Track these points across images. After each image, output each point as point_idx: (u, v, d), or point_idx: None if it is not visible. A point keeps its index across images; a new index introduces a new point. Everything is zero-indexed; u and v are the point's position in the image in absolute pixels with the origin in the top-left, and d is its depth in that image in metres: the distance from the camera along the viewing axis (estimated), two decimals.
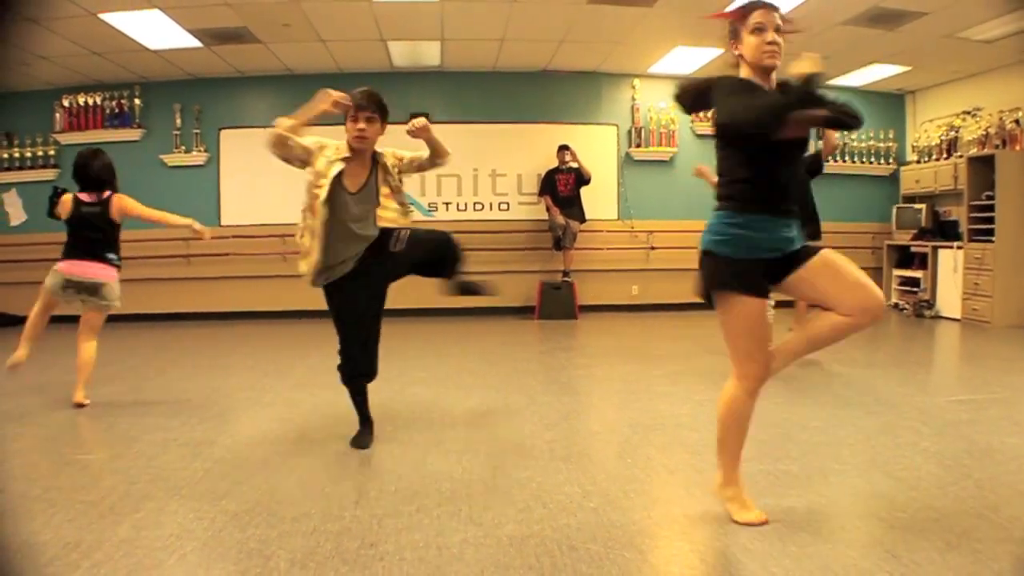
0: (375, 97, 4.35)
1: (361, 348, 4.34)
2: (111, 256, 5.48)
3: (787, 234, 3.04)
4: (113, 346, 8.51)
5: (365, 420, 4.49)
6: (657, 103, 11.27)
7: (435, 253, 4.60)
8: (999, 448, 4.23)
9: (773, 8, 3.05)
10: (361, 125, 4.24)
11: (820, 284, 3.03)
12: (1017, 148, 9.73)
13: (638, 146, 11.24)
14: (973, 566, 2.72)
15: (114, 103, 10.50)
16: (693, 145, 11.38)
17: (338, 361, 4.39)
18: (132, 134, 10.47)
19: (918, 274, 10.94)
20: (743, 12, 3.07)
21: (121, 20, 7.96)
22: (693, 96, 3.25)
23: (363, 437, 4.40)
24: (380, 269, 4.35)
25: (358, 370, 4.37)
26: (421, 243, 4.51)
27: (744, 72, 3.11)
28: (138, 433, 4.67)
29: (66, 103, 10.43)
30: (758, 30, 3.02)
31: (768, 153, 2.98)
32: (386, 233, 4.40)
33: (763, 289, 3.05)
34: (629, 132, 11.28)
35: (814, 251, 3.07)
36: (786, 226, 3.05)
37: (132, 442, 4.48)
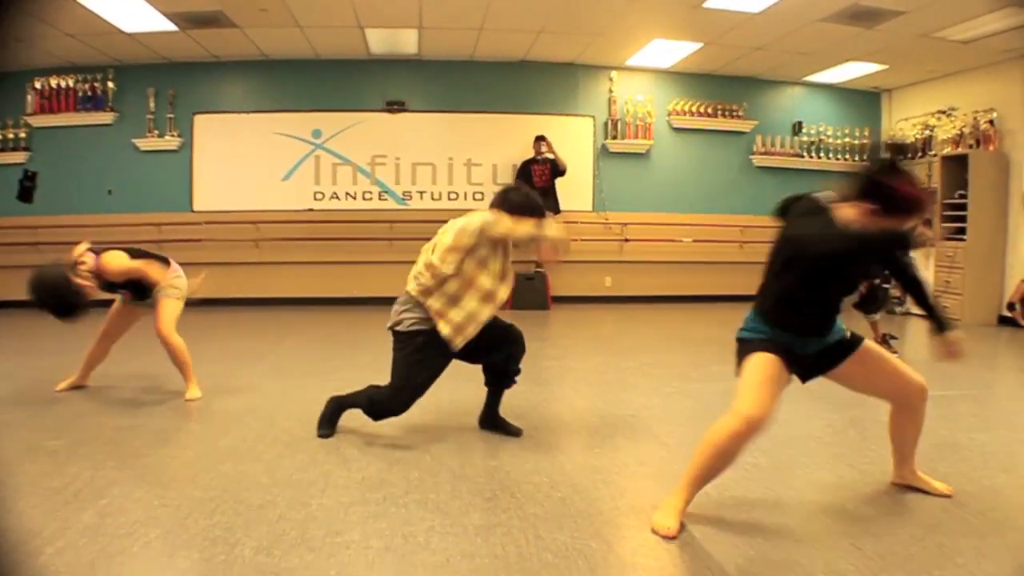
0: None
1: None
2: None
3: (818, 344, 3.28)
4: (82, 332, 8.46)
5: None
6: (634, 95, 11.30)
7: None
8: (966, 444, 4.30)
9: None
10: None
11: (867, 374, 3.33)
12: (991, 148, 9.85)
13: (614, 138, 11.26)
14: (938, 559, 2.76)
15: (87, 86, 10.36)
16: (669, 138, 11.44)
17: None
18: (105, 117, 10.35)
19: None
20: (914, 207, 3.01)
21: (96, 2, 7.87)
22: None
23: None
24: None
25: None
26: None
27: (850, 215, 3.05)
28: (106, 419, 4.65)
29: (38, 85, 10.28)
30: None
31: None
32: None
33: (784, 354, 3.17)
34: (606, 124, 11.30)
35: (859, 342, 3.30)
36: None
37: (100, 428, 4.45)
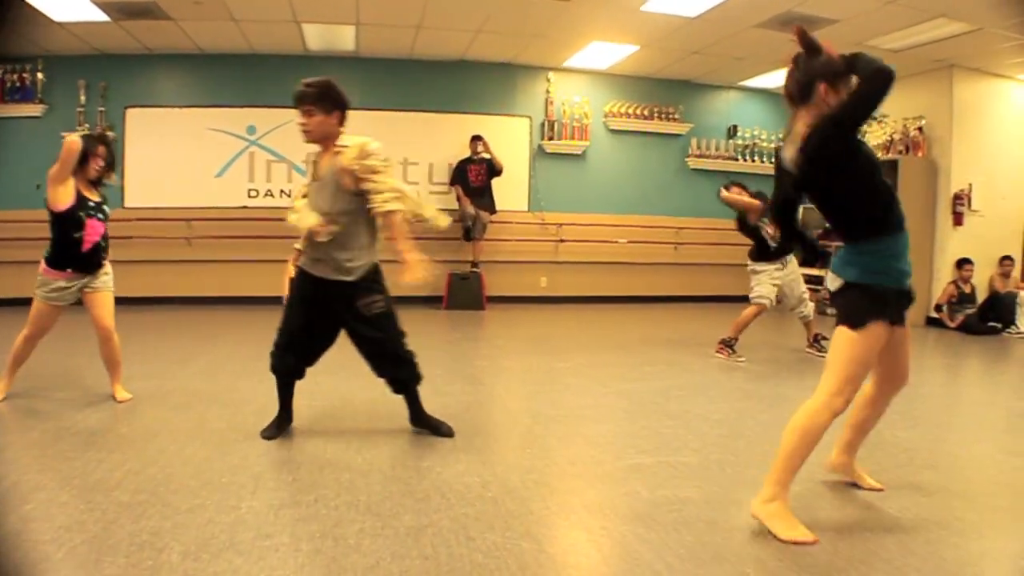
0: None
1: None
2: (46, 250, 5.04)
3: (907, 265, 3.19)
4: (6, 331, 8.26)
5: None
6: (571, 97, 11.37)
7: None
8: (892, 441, 4.44)
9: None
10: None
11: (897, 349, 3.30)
12: (919, 155, 10.16)
13: (551, 139, 11.32)
14: (862, 555, 2.84)
15: (15, 76, 10.02)
16: (605, 139, 11.54)
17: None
18: (34, 109, 10.05)
19: (822, 272, 11.28)
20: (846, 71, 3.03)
21: None
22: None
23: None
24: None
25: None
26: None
27: (818, 110, 3.05)
28: (32, 423, 4.54)
29: None
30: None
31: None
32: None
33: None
34: (542, 124, 11.35)
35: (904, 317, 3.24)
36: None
37: (25, 432, 4.36)
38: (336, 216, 4.04)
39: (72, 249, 4.86)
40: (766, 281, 7.03)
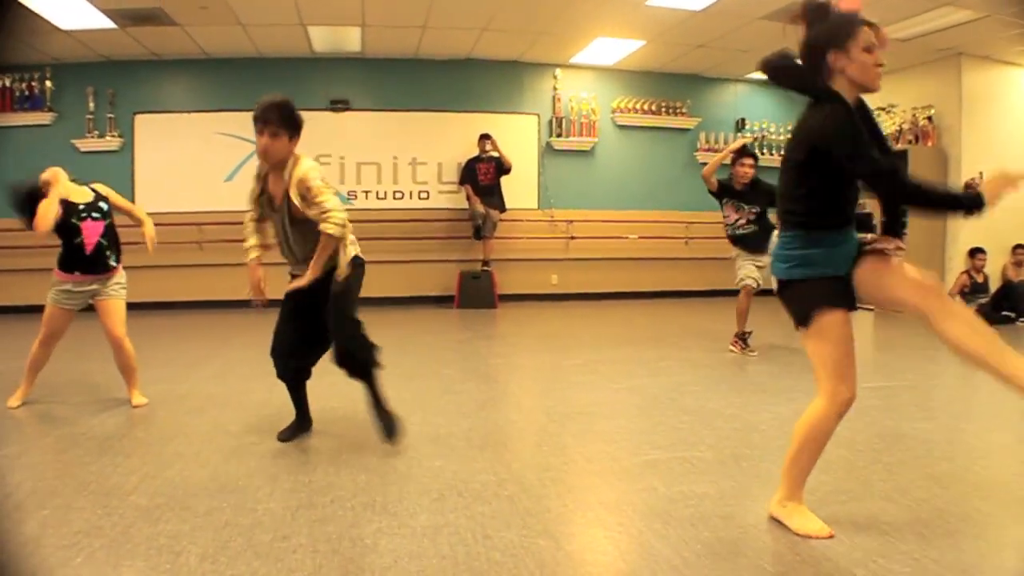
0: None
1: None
2: None
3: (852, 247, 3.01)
4: (21, 339, 8.29)
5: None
6: (579, 93, 11.37)
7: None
8: (909, 433, 4.41)
9: (879, 27, 2.84)
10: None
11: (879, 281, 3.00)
12: (929, 144, 10.12)
13: (559, 136, 11.34)
14: (880, 547, 2.81)
15: (24, 85, 10.12)
16: (613, 135, 11.54)
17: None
18: (43, 118, 10.13)
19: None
20: (855, 24, 2.81)
21: None
22: (792, 82, 3.03)
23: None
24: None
25: None
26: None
27: (839, 84, 2.84)
28: (47, 428, 4.57)
29: None
30: (869, 49, 2.79)
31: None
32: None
33: (853, 300, 2.98)
34: (550, 122, 11.37)
35: (863, 251, 3.02)
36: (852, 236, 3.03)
37: (41, 437, 4.38)
38: (308, 233, 4.05)
39: (76, 253, 4.91)
40: (747, 264, 7.02)
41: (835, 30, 2.81)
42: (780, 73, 3.04)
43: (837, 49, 2.80)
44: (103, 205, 5.07)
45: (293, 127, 3.99)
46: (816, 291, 2.91)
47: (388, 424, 4.16)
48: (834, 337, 2.93)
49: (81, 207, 4.97)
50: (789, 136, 3.03)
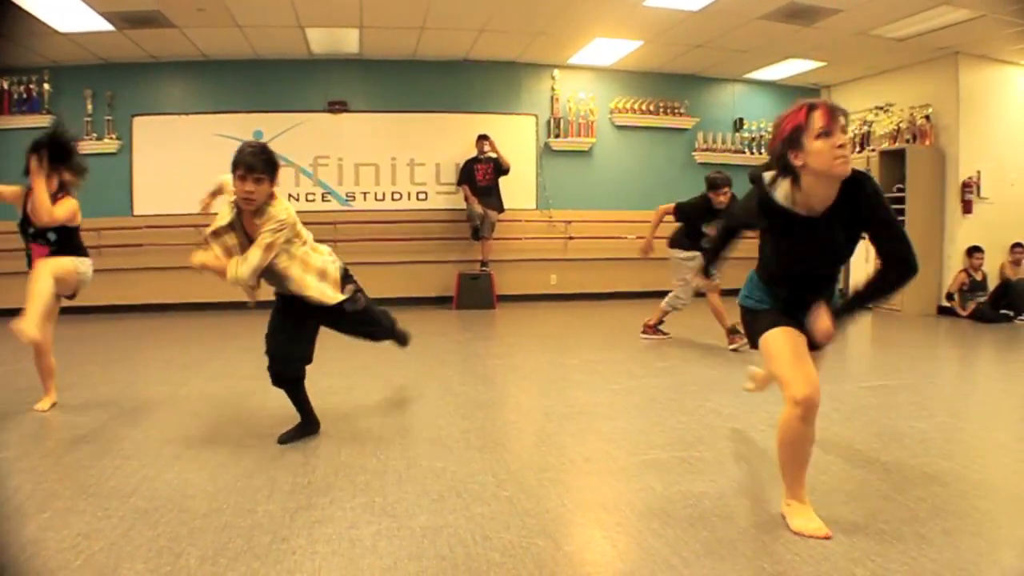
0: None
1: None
2: None
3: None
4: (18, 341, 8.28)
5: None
6: (577, 93, 11.38)
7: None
8: (907, 432, 4.42)
9: (837, 109, 2.89)
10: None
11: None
12: (927, 143, 10.13)
13: (557, 136, 11.35)
14: (879, 546, 2.82)
15: (22, 88, 10.12)
16: (612, 136, 11.55)
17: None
18: (41, 120, 10.02)
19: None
20: (801, 116, 2.87)
21: (30, 1, 7.73)
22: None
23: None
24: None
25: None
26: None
27: (807, 181, 2.91)
28: (46, 431, 4.57)
29: None
30: (825, 135, 2.82)
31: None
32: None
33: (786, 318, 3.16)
34: (548, 122, 11.38)
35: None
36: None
37: (39, 440, 4.38)
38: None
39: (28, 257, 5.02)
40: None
41: (788, 134, 2.88)
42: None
43: (794, 149, 2.87)
44: (51, 236, 5.01)
45: (274, 171, 4.11)
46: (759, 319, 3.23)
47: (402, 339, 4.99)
48: (774, 351, 3.11)
49: (31, 230, 5.00)
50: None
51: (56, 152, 4.96)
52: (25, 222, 4.99)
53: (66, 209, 4.93)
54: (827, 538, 2.91)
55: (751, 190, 3.18)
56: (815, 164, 2.84)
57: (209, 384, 5.89)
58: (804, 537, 2.93)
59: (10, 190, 5.05)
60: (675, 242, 7.62)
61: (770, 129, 3.29)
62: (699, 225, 7.32)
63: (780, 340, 3.08)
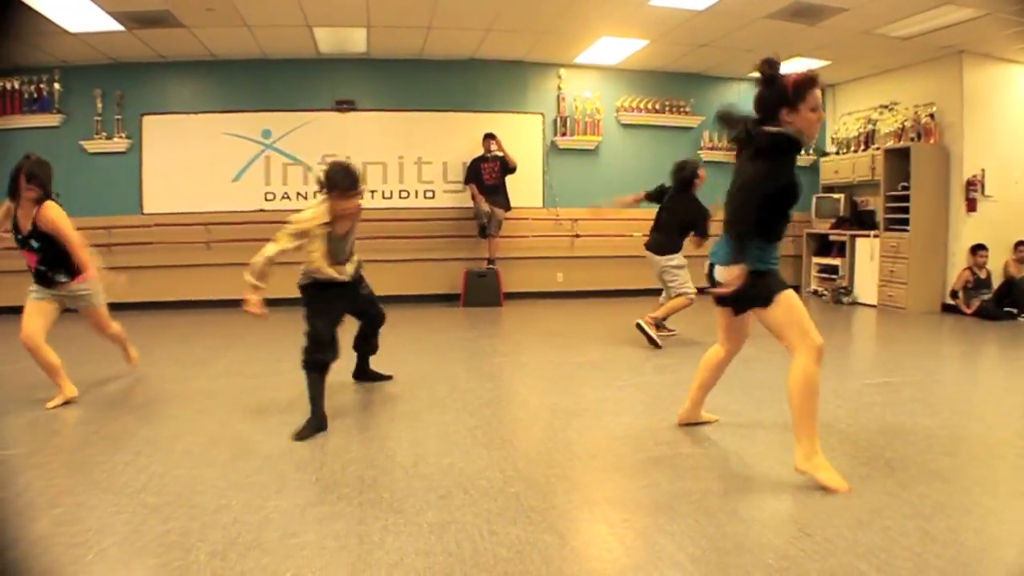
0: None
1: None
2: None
3: None
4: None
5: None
6: (583, 92, 11.39)
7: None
8: (911, 429, 4.44)
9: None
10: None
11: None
12: (931, 141, 10.12)
13: (563, 135, 11.34)
14: (883, 542, 2.85)
15: (33, 88, 10.14)
16: (618, 134, 11.55)
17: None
18: (51, 119, 10.17)
19: (836, 261, 11.35)
20: (808, 85, 3.51)
21: (40, 1, 7.75)
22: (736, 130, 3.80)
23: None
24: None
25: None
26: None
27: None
28: (58, 427, 4.62)
29: None
30: (815, 109, 3.50)
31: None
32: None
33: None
34: (555, 121, 11.38)
35: None
36: None
37: (52, 436, 4.42)
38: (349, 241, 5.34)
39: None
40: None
41: (788, 92, 3.50)
42: (727, 122, 3.88)
43: (790, 108, 3.50)
44: (34, 243, 5.09)
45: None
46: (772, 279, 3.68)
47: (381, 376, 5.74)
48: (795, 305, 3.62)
49: (19, 237, 5.12)
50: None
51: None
52: (15, 231, 5.13)
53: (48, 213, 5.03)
54: (847, 490, 3.37)
55: (761, 153, 3.57)
56: (803, 128, 3.52)
57: (217, 381, 5.94)
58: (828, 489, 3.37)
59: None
60: (669, 248, 7.40)
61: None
62: (685, 221, 7.35)
63: (795, 297, 3.63)
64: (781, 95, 3.51)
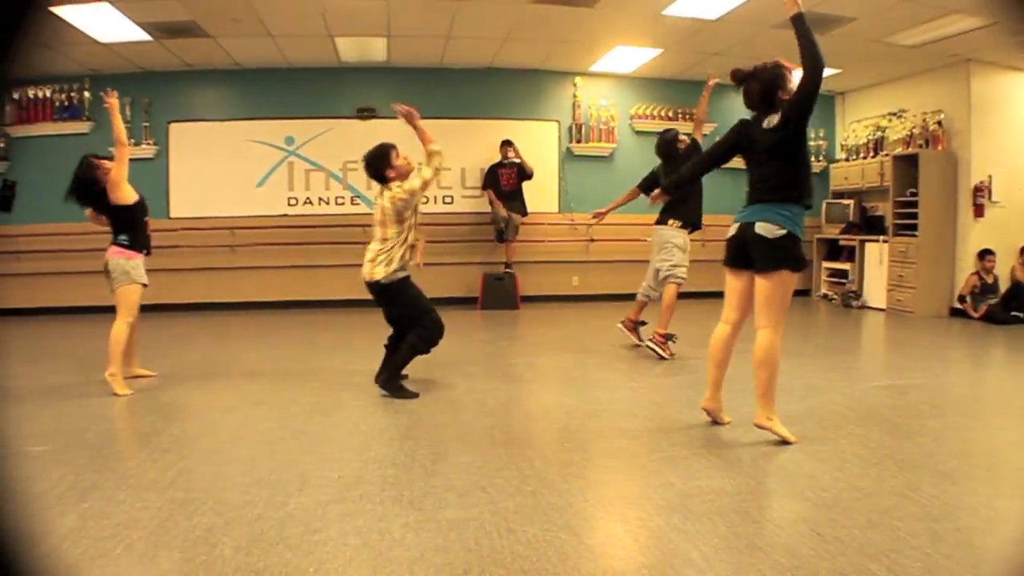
0: None
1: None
2: (121, 238, 5.62)
3: None
4: (62, 338, 8.46)
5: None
6: (598, 100, 11.45)
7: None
8: (919, 431, 4.46)
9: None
10: None
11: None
12: (939, 148, 10.13)
13: (579, 142, 11.42)
14: (893, 542, 2.86)
15: (64, 96, 10.35)
16: (632, 141, 11.59)
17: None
18: (82, 127, 10.35)
19: (846, 266, 11.38)
20: (789, 74, 4.37)
21: (71, 13, 7.90)
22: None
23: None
24: None
25: None
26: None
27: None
28: (87, 424, 4.68)
29: (16, 96, 10.27)
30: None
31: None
32: None
33: None
34: (570, 128, 11.45)
35: None
36: None
37: (81, 433, 4.48)
38: None
39: (145, 232, 5.65)
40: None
41: (779, 77, 4.38)
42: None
43: (783, 90, 4.33)
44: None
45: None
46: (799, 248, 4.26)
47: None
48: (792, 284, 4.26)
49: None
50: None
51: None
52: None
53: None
54: (795, 442, 4.13)
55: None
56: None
57: (242, 381, 6.02)
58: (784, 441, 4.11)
59: None
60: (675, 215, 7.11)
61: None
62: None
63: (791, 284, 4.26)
64: (778, 81, 4.35)
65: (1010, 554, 2.87)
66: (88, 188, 5.60)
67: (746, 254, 4.31)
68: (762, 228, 4.18)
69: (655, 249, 7.21)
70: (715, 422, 4.62)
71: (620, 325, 7.47)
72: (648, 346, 6.89)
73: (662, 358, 6.75)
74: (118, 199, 5.57)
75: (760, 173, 4.40)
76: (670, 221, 7.04)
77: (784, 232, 4.14)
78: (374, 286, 5.34)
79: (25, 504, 3.29)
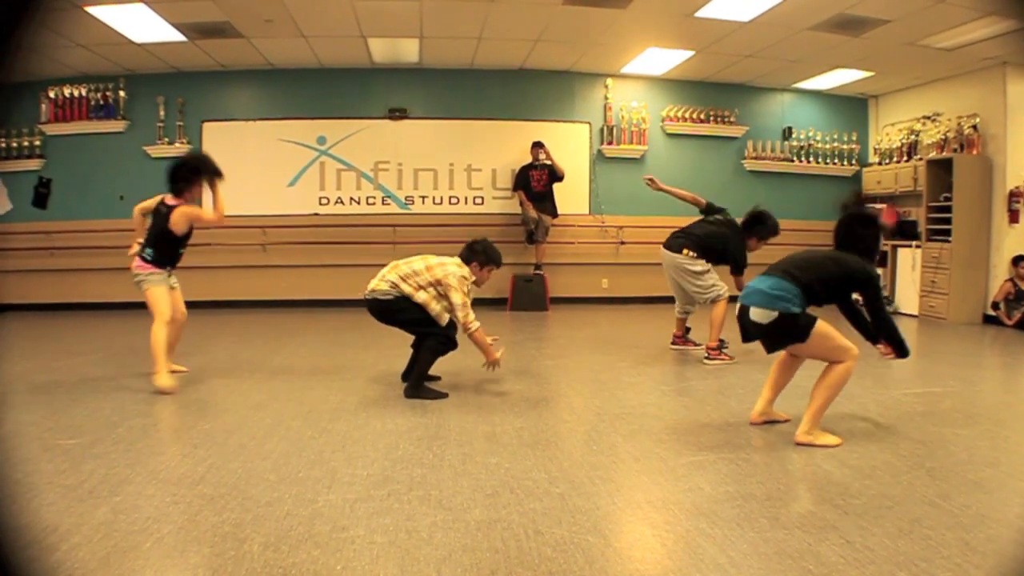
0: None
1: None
2: (147, 252, 5.76)
3: None
4: (95, 333, 8.55)
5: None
6: (629, 102, 11.42)
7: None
8: (951, 439, 4.41)
9: None
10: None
11: None
12: (974, 152, 9.99)
13: (610, 144, 11.39)
14: (923, 552, 2.83)
15: (99, 95, 10.51)
16: (663, 143, 11.56)
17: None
18: (116, 126, 10.51)
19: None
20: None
21: (107, 13, 8.00)
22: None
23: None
24: None
25: None
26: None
27: None
28: (119, 419, 4.72)
29: (52, 94, 10.44)
30: None
31: None
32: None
33: None
34: (601, 130, 11.43)
35: None
36: None
37: (113, 427, 4.53)
38: None
39: (176, 255, 5.86)
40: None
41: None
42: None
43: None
44: None
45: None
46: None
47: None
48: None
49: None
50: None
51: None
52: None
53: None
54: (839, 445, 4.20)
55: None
56: None
57: (272, 378, 6.06)
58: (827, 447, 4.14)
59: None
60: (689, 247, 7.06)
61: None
62: (721, 249, 6.99)
63: (825, 324, 4.34)
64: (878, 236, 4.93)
65: None
66: (179, 187, 6.03)
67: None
68: (756, 315, 4.31)
69: (669, 271, 7.19)
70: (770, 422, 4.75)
71: (672, 346, 7.47)
72: (706, 362, 6.77)
73: (726, 361, 6.74)
74: (176, 226, 5.79)
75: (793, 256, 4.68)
76: (685, 251, 6.97)
77: (776, 315, 4.23)
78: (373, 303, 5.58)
79: (57, 497, 3.34)
